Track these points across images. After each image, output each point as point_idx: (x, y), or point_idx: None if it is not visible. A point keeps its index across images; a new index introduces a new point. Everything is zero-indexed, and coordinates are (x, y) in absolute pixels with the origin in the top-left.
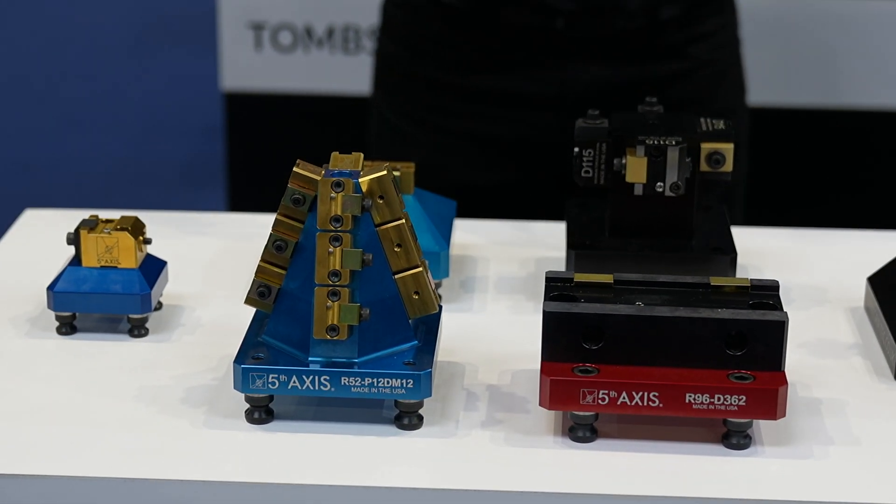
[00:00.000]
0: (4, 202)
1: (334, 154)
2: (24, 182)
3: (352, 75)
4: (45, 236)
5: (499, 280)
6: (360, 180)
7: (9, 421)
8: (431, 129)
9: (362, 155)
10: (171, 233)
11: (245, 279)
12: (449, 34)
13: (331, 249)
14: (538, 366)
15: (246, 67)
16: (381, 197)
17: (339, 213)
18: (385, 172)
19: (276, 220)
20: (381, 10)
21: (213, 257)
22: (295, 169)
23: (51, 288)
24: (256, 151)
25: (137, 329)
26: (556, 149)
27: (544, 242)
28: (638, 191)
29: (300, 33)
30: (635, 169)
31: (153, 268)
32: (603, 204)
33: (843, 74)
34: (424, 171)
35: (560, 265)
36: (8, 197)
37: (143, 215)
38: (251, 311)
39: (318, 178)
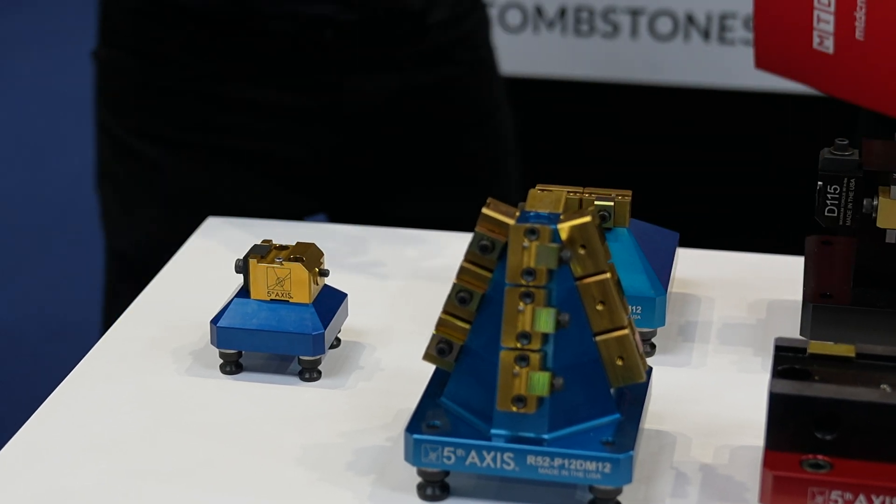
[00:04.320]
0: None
1: (533, 191)
2: None
3: (582, 58)
4: (226, 250)
5: (723, 327)
6: (560, 226)
7: (153, 480)
8: (184, 149)
9: (566, 193)
10: (357, 251)
11: (436, 313)
12: (204, 45)
13: (521, 307)
14: (763, 442)
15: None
16: (584, 246)
17: (531, 265)
18: (589, 219)
19: (461, 267)
20: (103, 17)
21: (403, 283)
22: (484, 210)
23: (214, 322)
24: None
25: (309, 372)
26: (338, 167)
27: (781, 280)
28: (891, 238)
29: (530, 13)
30: (889, 213)
31: (330, 302)
32: (851, 243)
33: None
34: (179, 197)
35: (797, 310)
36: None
37: (325, 230)
38: None
39: (511, 222)
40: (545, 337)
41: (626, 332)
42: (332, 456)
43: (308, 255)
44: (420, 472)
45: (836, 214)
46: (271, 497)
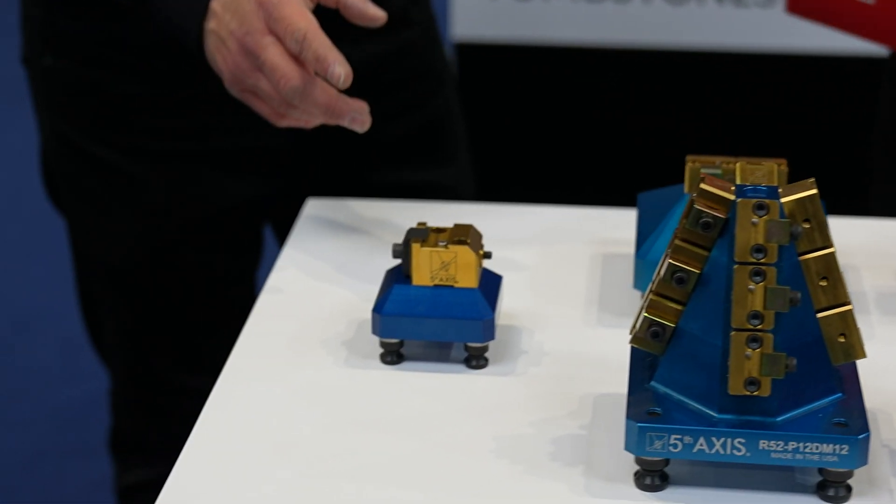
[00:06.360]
0: None
1: (741, 164)
2: None
3: (596, 24)
4: (336, 233)
5: (879, 297)
6: (783, 200)
7: (329, 479)
8: (159, 156)
9: (777, 165)
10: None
11: (582, 290)
12: (169, 46)
13: (751, 286)
14: None
15: (479, 15)
16: (807, 220)
17: (762, 241)
18: (815, 191)
19: (674, 245)
20: (42, 25)
21: (538, 262)
22: (702, 185)
23: (378, 310)
24: (491, 109)
25: (476, 359)
26: (317, 145)
27: None
28: None
29: None
30: None
31: (492, 286)
32: None
33: None
34: (158, 204)
35: None
36: None
37: (436, 207)
38: (601, 334)
39: (731, 197)
40: (778, 316)
41: (849, 307)
42: (531, 447)
43: (471, 237)
44: (639, 461)
45: None
46: (485, 494)
